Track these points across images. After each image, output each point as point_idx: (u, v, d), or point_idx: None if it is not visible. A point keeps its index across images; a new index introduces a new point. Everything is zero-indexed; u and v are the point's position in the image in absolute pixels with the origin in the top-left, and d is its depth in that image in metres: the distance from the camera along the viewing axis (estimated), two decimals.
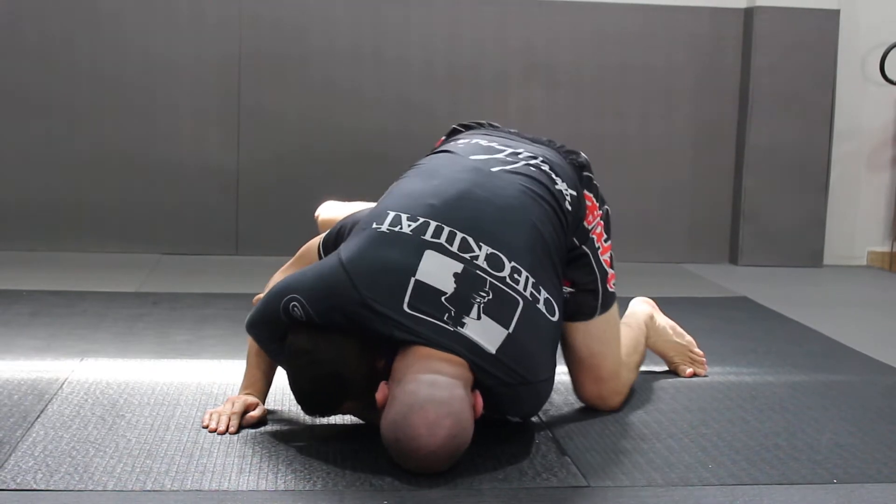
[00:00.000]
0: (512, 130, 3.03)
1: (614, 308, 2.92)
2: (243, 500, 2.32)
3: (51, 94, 5.25)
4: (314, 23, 5.33)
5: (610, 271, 2.88)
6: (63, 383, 3.07)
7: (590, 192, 2.87)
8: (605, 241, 2.89)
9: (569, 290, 2.82)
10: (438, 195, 2.63)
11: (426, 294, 2.48)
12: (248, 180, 5.35)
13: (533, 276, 2.57)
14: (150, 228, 5.35)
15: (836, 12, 5.56)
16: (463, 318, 2.48)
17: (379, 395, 2.47)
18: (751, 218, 5.62)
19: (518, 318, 2.51)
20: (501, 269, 2.54)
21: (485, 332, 2.48)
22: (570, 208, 2.76)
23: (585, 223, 2.83)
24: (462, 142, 2.90)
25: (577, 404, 3.00)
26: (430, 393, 2.38)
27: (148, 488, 2.35)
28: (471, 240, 2.56)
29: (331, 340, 2.51)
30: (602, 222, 2.89)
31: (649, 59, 5.55)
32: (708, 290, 4.81)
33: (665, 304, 4.09)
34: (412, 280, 2.49)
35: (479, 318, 2.49)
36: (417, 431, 2.36)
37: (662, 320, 3.32)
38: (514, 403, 2.59)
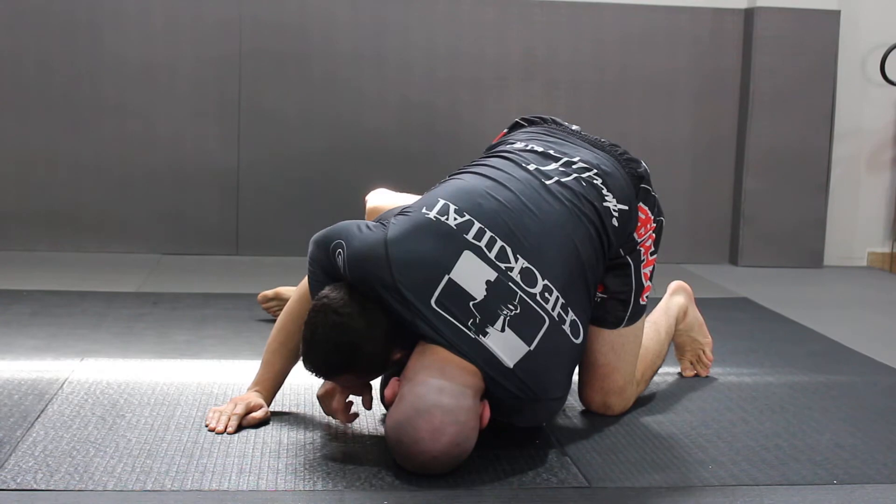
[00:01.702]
0: (573, 128, 3.00)
1: (640, 322, 2.91)
2: (243, 500, 2.32)
3: (51, 94, 5.24)
4: (314, 23, 5.32)
5: (646, 284, 2.88)
6: (63, 383, 3.07)
7: (645, 204, 2.86)
8: (652, 254, 2.89)
9: (600, 294, 2.81)
10: (488, 197, 2.62)
11: (456, 295, 2.48)
12: (248, 180, 5.35)
13: (563, 298, 2.57)
14: (150, 229, 5.35)
15: (837, 13, 5.56)
16: (487, 327, 2.48)
17: (388, 392, 2.47)
18: (751, 218, 5.62)
19: (541, 337, 2.51)
20: (534, 285, 2.54)
21: (506, 346, 2.48)
22: (616, 224, 2.75)
23: (636, 235, 2.82)
24: (520, 145, 2.87)
25: (579, 406, 3.00)
26: (438, 399, 2.38)
27: (148, 488, 2.36)
28: (509, 250, 2.55)
29: (365, 312, 2.50)
30: (653, 235, 2.88)
31: (649, 60, 5.55)
32: (708, 290, 4.81)
33: None
34: (446, 277, 2.49)
35: (503, 330, 2.49)
36: (420, 435, 2.36)
37: (693, 314, 3.32)
38: (521, 414, 2.59)
